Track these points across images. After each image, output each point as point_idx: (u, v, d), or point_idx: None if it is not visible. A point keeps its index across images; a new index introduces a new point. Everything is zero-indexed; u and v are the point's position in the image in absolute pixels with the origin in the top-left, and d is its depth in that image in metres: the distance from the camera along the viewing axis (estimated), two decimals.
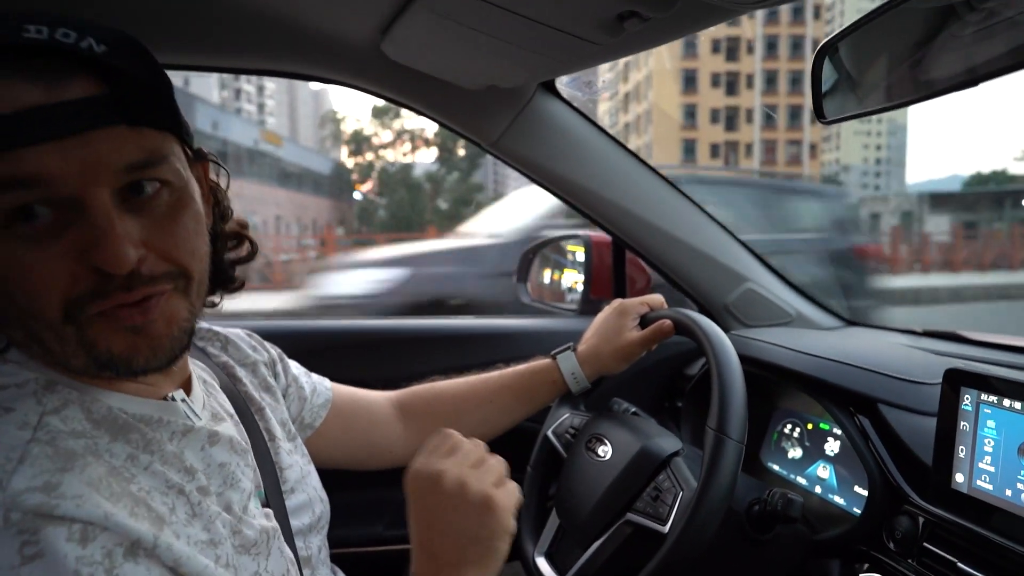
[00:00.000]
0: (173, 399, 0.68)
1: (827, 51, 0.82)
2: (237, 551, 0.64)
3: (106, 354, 0.57)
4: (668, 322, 1.06)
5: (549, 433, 1.13)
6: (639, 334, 1.09)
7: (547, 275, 1.89)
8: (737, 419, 0.85)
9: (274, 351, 0.97)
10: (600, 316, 1.15)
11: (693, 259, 1.46)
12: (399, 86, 1.25)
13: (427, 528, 0.67)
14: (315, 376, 1.04)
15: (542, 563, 1.06)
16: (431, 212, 34.20)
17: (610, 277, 1.63)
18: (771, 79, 61.59)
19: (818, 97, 0.82)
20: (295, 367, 1.00)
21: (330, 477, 0.96)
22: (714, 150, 62.41)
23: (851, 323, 1.55)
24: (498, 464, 0.71)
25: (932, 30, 0.77)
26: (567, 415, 1.13)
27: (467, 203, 35.21)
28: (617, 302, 1.15)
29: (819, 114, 0.82)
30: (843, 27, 0.80)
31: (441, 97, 1.26)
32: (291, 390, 0.96)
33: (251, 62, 1.20)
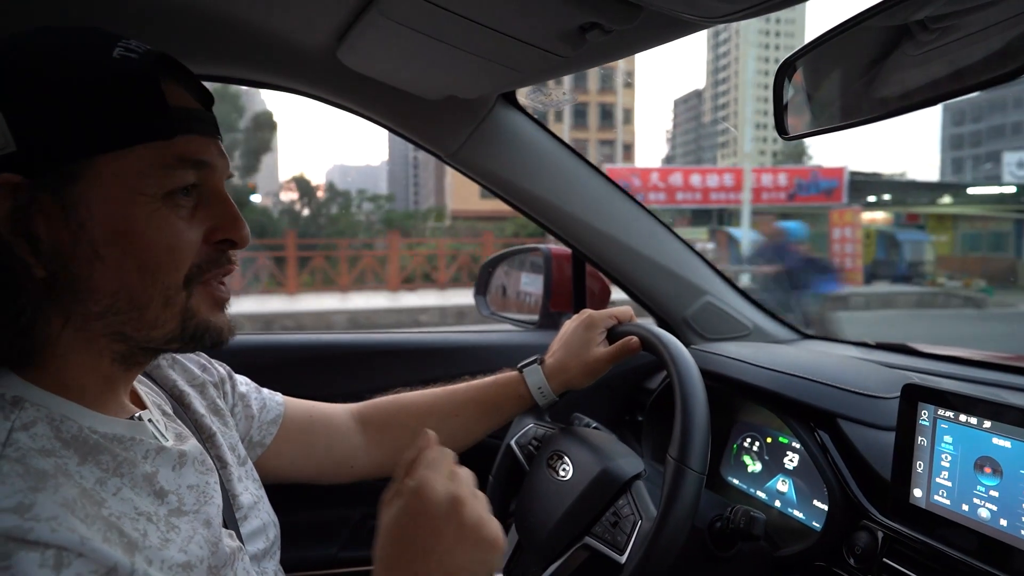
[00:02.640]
0: (140, 419, 0.67)
1: (788, 68, 0.82)
2: (209, 572, 0.63)
3: (203, 324, 0.66)
4: (636, 339, 1.04)
5: (512, 443, 1.11)
6: (606, 350, 1.07)
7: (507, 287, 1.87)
8: (699, 449, 0.83)
9: (223, 369, 0.95)
10: (568, 327, 1.13)
11: (653, 272, 1.46)
12: (356, 95, 1.22)
13: (423, 550, 0.60)
14: (266, 391, 1.00)
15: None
16: None
17: (570, 290, 1.62)
18: (580, 78, 58.01)
19: (779, 113, 0.82)
20: (243, 384, 0.97)
21: (283, 497, 0.93)
22: None
23: (806, 336, 1.57)
24: (483, 497, 0.67)
25: (887, 49, 0.78)
26: (531, 425, 1.11)
27: None
28: (586, 314, 1.12)
29: (780, 130, 0.82)
30: (804, 44, 0.80)
31: (399, 107, 1.24)
32: (238, 409, 0.93)
33: (202, 67, 1.15)
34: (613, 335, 1.10)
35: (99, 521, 0.55)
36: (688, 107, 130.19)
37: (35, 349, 0.61)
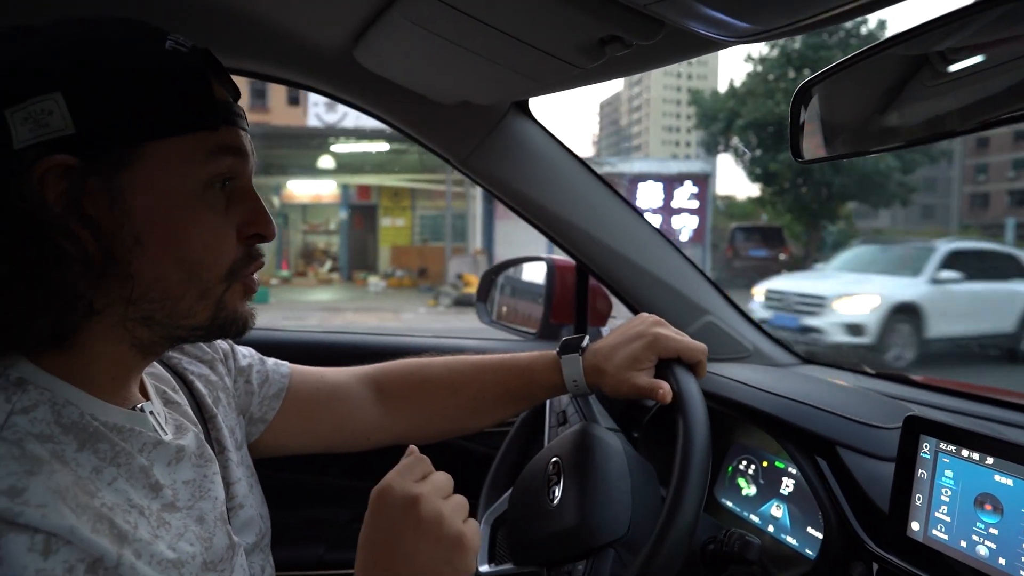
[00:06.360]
0: (142, 410, 0.67)
1: (806, 91, 0.82)
2: (204, 568, 0.64)
3: (232, 314, 0.68)
4: (669, 393, 0.91)
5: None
6: (645, 381, 0.94)
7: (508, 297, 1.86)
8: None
9: (225, 344, 0.92)
10: (628, 333, 0.98)
11: (656, 289, 1.45)
12: (371, 96, 1.22)
13: (388, 552, 0.64)
14: (271, 362, 0.96)
15: (485, 530, 1.10)
16: None
17: (572, 302, 1.61)
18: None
19: (796, 136, 0.82)
20: (245, 355, 0.94)
21: (269, 495, 0.91)
22: None
23: (806, 360, 1.57)
24: (464, 502, 0.69)
25: (906, 79, 0.77)
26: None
27: None
28: (658, 329, 0.98)
29: (796, 153, 0.82)
30: (824, 68, 0.80)
31: (413, 110, 1.24)
32: (238, 384, 0.90)
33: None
34: (661, 367, 0.97)
35: (89, 511, 0.55)
36: (612, 109, 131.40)
37: (68, 332, 0.61)
